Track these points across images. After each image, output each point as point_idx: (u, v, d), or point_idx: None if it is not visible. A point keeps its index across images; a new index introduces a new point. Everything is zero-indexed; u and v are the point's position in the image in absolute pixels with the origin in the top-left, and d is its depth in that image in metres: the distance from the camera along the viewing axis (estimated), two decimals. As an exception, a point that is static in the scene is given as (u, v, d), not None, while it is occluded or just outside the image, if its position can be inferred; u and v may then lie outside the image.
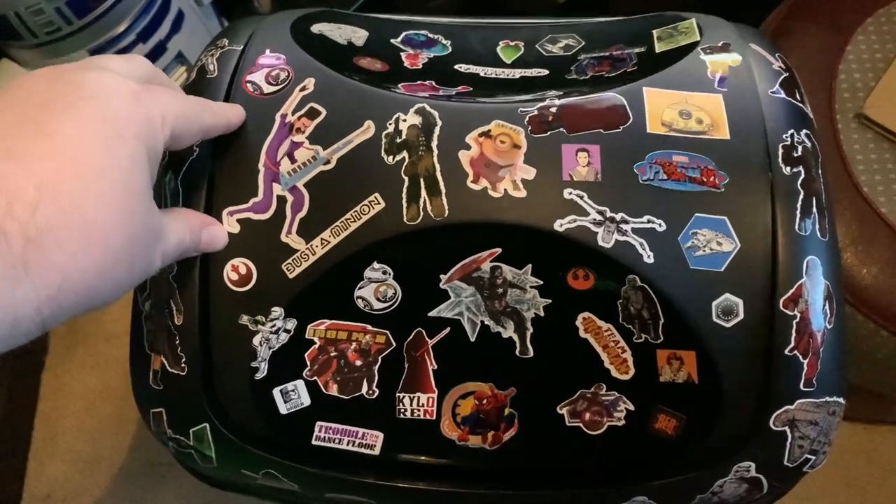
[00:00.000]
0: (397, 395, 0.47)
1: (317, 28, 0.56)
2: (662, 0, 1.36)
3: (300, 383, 0.47)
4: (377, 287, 0.46)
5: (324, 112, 0.48)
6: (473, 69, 0.55)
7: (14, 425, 1.07)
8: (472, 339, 0.46)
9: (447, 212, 0.46)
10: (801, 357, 0.44)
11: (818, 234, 0.45)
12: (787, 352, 0.44)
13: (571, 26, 0.58)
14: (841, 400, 0.46)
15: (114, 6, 0.88)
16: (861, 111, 0.85)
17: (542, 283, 0.45)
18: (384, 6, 1.34)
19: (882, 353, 0.83)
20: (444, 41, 0.57)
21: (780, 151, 0.46)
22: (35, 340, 0.34)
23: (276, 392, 0.47)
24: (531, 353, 0.46)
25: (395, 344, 0.47)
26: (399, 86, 0.51)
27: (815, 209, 0.46)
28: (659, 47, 0.54)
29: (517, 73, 0.54)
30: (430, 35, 0.58)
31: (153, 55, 0.96)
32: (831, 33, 0.90)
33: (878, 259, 0.81)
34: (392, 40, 0.57)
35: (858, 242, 0.82)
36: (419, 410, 0.47)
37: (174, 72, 1.00)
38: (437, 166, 0.46)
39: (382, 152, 0.47)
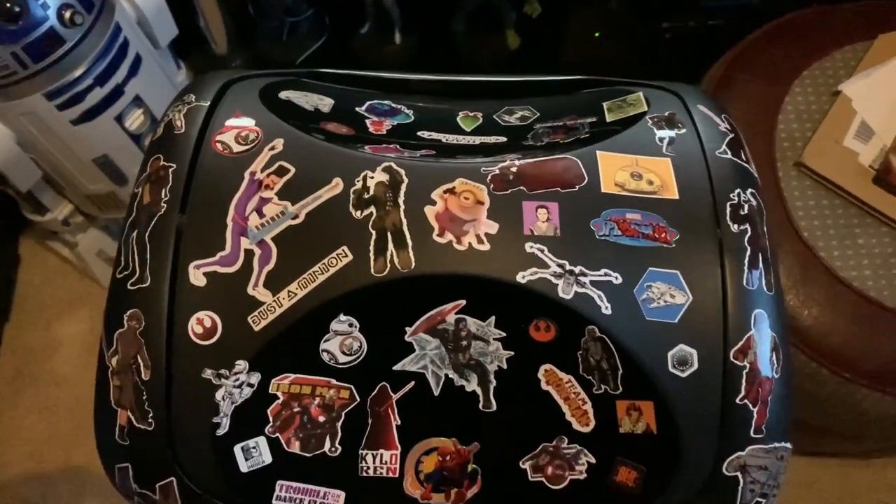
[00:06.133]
0: (360, 452, 0.47)
1: (284, 95, 0.58)
2: (609, 49, 1.42)
3: (262, 440, 0.47)
4: (343, 340, 0.47)
5: (293, 170, 0.50)
6: (435, 135, 0.57)
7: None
8: (436, 393, 0.47)
9: (414, 264, 0.47)
10: (751, 405, 0.46)
11: (765, 288, 0.48)
12: (738, 400, 0.46)
13: (526, 100, 0.60)
14: (788, 445, 0.48)
15: (70, 51, 0.88)
16: (800, 160, 0.89)
17: (504, 335, 0.47)
18: (342, 53, 1.37)
19: (824, 391, 0.87)
20: (407, 111, 0.59)
21: (728, 210, 0.49)
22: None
23: (237, 449, 0.47)
24: (494, 407, 0.47)
25: (358, 399, 0.47)
26: (365, 147, 0.53)
27: (761, 264, 0.48)
28: (609, 117, 0.57)
29: (477, 140, 0.57)
30: (394, 105, 0.60)
31: (111, 98, 0.96)
32: (770, 85, 0.95)
33: (818, 300, 0.85)
34: (357, 108, 0.59)
35: (800, 285, 0.86)
36: (382, 468, 0.47)
37: (131, 114, 1.00)
38: (404, 220, 0.48)
39: (350, 207, 0.48)
